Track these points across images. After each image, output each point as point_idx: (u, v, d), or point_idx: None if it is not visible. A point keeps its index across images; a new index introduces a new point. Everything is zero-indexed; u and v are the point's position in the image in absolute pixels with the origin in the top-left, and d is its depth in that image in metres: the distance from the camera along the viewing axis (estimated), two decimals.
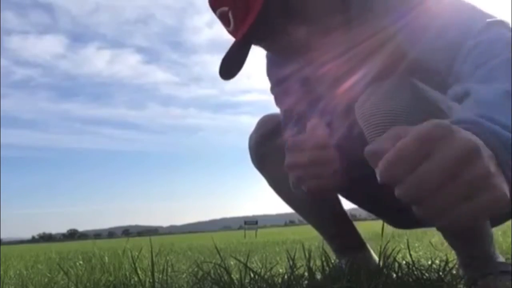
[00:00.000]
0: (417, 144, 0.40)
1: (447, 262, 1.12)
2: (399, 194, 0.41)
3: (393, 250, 1.15)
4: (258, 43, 0.85)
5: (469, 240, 1.02)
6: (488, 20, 0.67)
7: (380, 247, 1.16)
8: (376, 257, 1.26)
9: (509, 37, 0.63)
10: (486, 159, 0.41)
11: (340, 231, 1.24)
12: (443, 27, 0.71)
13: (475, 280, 0.98)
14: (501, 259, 1.06)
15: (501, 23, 0.67)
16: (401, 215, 1.08)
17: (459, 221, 0.41)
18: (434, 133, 0.40)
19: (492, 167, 0.41)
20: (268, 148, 1.14)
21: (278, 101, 1.13)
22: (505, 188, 0.41)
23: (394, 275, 1.00)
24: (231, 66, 0.81)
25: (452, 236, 1.01)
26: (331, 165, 0.76)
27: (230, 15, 0.78)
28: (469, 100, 0.55)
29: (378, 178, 0.44)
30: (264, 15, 0.74)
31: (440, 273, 1.00)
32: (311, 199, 1.10)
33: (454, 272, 1.06)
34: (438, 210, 0.40)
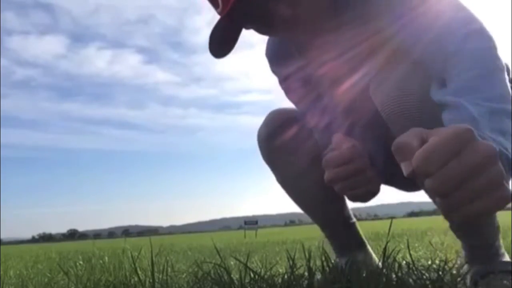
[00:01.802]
0: (448, 143, 0.47)
1: (446, 262, 1.12)
2: (428, 186, 0.47)
3: (393, 250, 1.15)
4: (246, 23, 0.86)
5: (473, 228, 1.02)
6: (470, 27, 0.72)
7: (380, 247, 1.16)
8: (376, 258, 1.27)
9: (488, 48, 0.69)
10: (500, 164, 0.48)
11: (343, 231, 1.24)
12: (428, 26, 0.76)
13: (476, 280, 0.98)
14: (506, 256, 1.05)
15: (482, 31, 0.71)
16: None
17: (474, 214, 0.47)
18: (463, 136, 0.47)
19: (504, 171, 0.49)
20: (278, 143, 1.14)
21: (288, 95, 1.15)
22: (510, 189, 0.49)
23: (394, 275, 1.00)
24: (222, 44, 0.85)
25: (459, 225, 1.02)
26: (365, 173, 0.82)
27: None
28: (457, 114, 0.62)
29: (405, 171, 0.50)
30: None
31: (440, 273, 1.00)
32: (319, 199, 1.15)
33: (454, 272, 1.06)
34: (459, 204, 0.47)
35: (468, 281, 1.01)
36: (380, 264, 1.18)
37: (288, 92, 1.13)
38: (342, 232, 1.24)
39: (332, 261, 1.17)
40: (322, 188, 0.93)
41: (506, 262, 1.02)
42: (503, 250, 1.06)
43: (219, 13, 0.84)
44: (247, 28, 0.88)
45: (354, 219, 1.27)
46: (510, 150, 0.56)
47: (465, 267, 1.06)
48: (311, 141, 1.10)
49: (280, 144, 1.13)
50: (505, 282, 0.92)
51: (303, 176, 1.14)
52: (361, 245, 1.27)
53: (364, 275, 0.96)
